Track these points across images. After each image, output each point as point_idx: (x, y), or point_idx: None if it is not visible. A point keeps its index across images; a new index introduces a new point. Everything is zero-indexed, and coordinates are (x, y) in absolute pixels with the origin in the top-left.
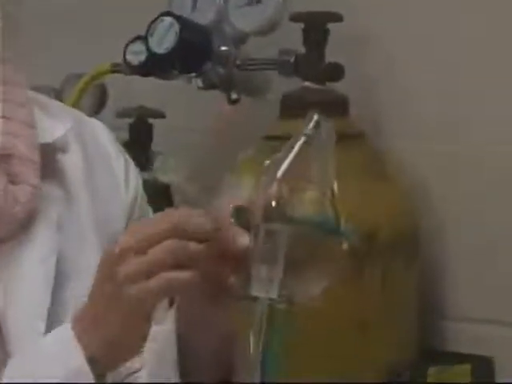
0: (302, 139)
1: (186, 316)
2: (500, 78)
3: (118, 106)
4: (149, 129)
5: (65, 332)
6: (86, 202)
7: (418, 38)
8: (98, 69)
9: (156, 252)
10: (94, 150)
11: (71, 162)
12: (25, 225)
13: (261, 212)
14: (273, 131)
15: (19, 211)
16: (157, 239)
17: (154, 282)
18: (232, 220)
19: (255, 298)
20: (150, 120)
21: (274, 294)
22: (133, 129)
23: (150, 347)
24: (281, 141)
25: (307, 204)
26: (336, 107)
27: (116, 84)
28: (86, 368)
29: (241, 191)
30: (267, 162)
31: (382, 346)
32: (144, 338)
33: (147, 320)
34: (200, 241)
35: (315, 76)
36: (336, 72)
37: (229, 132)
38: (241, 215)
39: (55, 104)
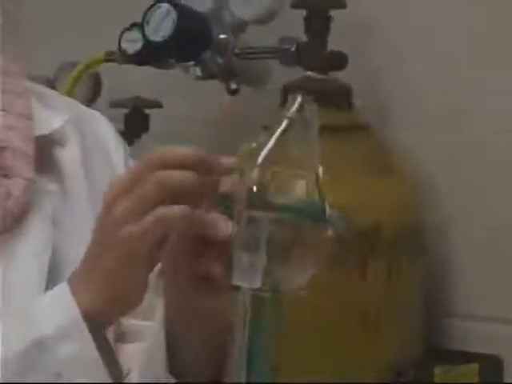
0: (285, 122)
1: (173, 311)
2: (504, 68)
3: (113, 96)
4: (145, 119)
5: (61, 288)
6: (83, 197)
7: (422, 25)
8: (92, 57)
9: (144, 187)
10: (92, 142)
11: (69, 154)
12: (18, 219)
13: (243, 198)
14: (273, 121)
15: (13, 205)
16: (143, 175)
17: (146, 220)
18: (218, 207)
19: (238, 288)
20: (146, 110)
21: (256, 284)
22: (128, 119)
23: (138, 346)
24: None
25: (290, 190)
26: (339, 97)
27: (111, 73)
28: (81, 321)
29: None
30: (250, 146)
31: (386, 344)
32: (143, 287)
33: (145, 265)
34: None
35: (317, 65)
36: (339, 61)
37: (228, 123)
38: (226, 202)
39: (53, 94)
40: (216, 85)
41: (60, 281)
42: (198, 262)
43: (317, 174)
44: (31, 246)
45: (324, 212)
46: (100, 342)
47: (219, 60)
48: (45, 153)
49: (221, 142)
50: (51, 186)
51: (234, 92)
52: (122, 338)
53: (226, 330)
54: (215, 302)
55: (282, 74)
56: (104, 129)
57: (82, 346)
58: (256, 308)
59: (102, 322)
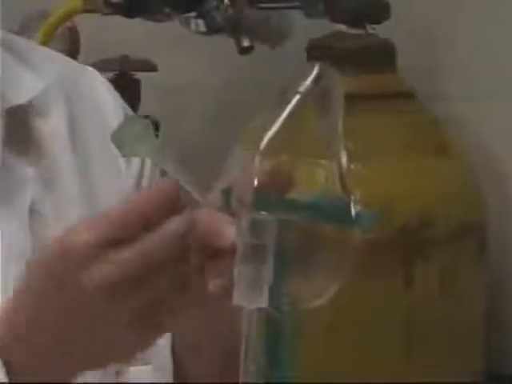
0: (296, 98)
1: (179, 329)
2: None
3: (94, 57)
4: (135, 86)
5: None
6: (71, 181)
7: None
8: (67, 6)
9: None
10: (83, 108)
11: (51, 127)
12: None
13: (243, 197)
14: (296, 89)
15: None
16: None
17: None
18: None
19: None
20: (137, 74)
21: (261, 303)
22: (114, 85)
23: (143, 370)
24: None
25: (305, 183)
26: (378, 58)
27: (91, 27)
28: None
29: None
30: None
31: (433, 368)
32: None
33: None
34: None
35: (351, 16)
36: (379, 11)
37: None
38: (228, 198)
39: (39, 52)
40: (224, 41)
41: None
42: (197, 275)
43: (339, 163)
44: (4, 253)
45: (349, 210)
46: None
47: (228, 10)
48: (20, 128)
49: (228, 114)
50: (28, 171)
51: (246, 50)
52: None
53: (236, 352)
54: (222, 321)
55: (306, 28)
56: (99, 89)
57: None
58: (269, 331)
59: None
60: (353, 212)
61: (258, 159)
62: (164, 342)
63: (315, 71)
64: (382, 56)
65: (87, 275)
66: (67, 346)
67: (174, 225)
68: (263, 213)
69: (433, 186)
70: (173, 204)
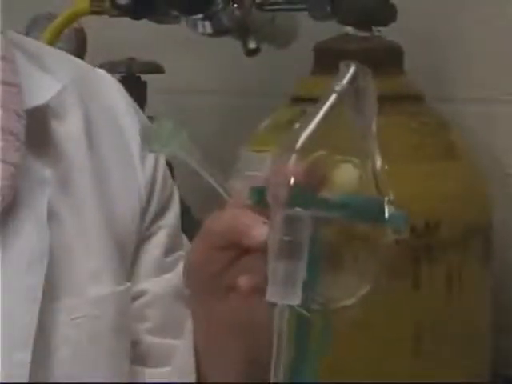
0: (333, 97)
1: (202, 328)
2: None
3: (101, 58)
4: (142, 87)
5: None
6: (87, 184)
7: None
8: (74, 8)
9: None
10: (99, 112)
11: (69, 129)
12: (3, 218)
13: (277, 194)
14: (303, 90)
15: None
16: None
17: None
18: (249, 204)
19: (273, 305)
20: (144, 76)
21: (294, 300)
22: None
23: (163, 372)
24: (313, 104)
25: (339, 182)
26: (385, 60)
27: (98, 29)
28: None
29: (260, 168)
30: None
31: (442, 368)
32: None
33: None
34: None
35: (357, 19)
36: (385, 13)
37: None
38: (260, 198)
39: (51, 53)
40: (230, 43)
41: (59, 293)
42: (227, 273)
43: (373, 162)
44: (21, 257)
45: (382, 210)
46: None
47: (235, 12)
48: (37, 130)
49: (235, 117)
50: (46, 172)
51: (252, 52)
52: (142, 360)
53: (267, 349)
54: (250, 317)
55: (313, 30)
56: (112, 91)
57: None
58: (300, 329)
59: None
60: (386, 212)
61: (293, 157)
62: (186, 344)
63: (351, 71)
64: (390, 58)
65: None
66: None
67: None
68: (298, 209)
69: (440, 188)
70: None
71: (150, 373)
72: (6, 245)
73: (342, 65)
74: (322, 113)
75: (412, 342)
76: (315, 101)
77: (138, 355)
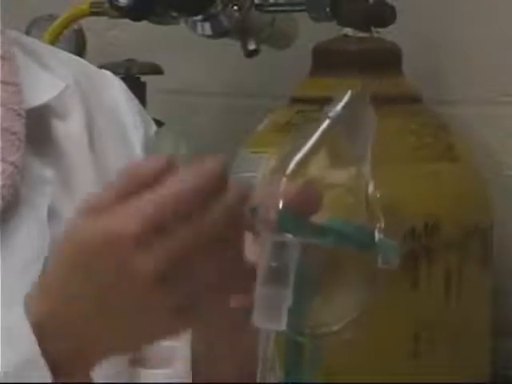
0: (326, 123)
1: (198, 342)
2: None
3: (100, 59)
4: (141, 88)
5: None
6: (89, 182)
7: None
8: (73, 9)
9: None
10: (102, 113)
11: (70, 129)
12: (2, 218)
13: (267, 218)
14: (301, 91)
15: None
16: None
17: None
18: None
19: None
20: (143, 78)
21: (279, 326)
22: None
23: (162, 374)
24: (311, 105)
25: (329, 208)
26: (384, 61)
27: (97, 29)
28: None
29: (257, 169)
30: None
31: (440, 369)
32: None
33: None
34: None
35: (357, 20)
36: (384, 15)
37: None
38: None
39: (53, 52)
40: (230, 45)
41: None
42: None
43: (366, 189)
44: (22, 256)
45: (373, 239)
46: None
47: (234, 13)
48: (39, 129)
49: (233, 118)
50: (47, 172)
51: (252, 54)
52: (141, 361)
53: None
54: (241, 339)
55: (312, 31)
56: (117, 94)
57: None
58: (290, 351)
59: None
60: (376, 240)
61: (284, 181)
62: (183, 345)
63: (346, 98)
64: (389, 59)
65: (137, 263)
66: (99, 326)
67: (229, 200)
68: (287, 235)
69: (439, 188)
70: (222, 181)
71: (149, 374)
72: (6, 244)
73: (338, 92)
74: (314, 138)
75: (411, 342)
76: (314, 102)
77: (137, 356)
